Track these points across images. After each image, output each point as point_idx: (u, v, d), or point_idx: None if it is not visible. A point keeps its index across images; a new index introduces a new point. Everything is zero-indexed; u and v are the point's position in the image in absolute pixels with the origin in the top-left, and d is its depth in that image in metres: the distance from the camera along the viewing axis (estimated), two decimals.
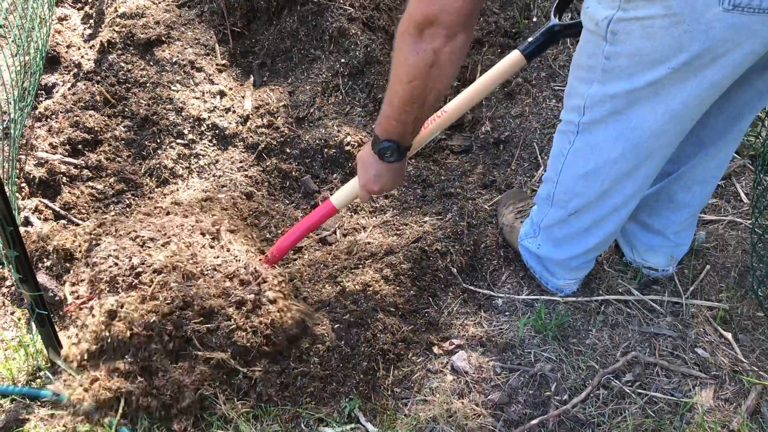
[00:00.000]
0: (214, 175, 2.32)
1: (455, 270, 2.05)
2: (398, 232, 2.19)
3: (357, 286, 1.93)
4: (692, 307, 1.95)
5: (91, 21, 2.80)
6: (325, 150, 2.37)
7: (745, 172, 2.35)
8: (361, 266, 2.02)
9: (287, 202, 2.32)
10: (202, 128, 2.39)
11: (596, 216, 1.74)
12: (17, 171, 2.17)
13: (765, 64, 1.50)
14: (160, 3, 2.62)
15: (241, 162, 2.35)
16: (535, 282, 2.05)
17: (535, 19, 3.05)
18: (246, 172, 2.32)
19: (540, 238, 1.95)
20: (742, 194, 2.27)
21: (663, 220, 1.90)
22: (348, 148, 2.37)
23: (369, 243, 2.14)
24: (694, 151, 1.75)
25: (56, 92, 2.51)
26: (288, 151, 2.40)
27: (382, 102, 1.58)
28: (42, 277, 1.89)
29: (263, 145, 2.37)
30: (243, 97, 2.50)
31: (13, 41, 2.27)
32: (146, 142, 2.34)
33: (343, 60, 2.61)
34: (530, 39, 1.84)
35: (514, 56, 1.83)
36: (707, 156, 1.74)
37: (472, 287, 2.04)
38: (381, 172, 1.70)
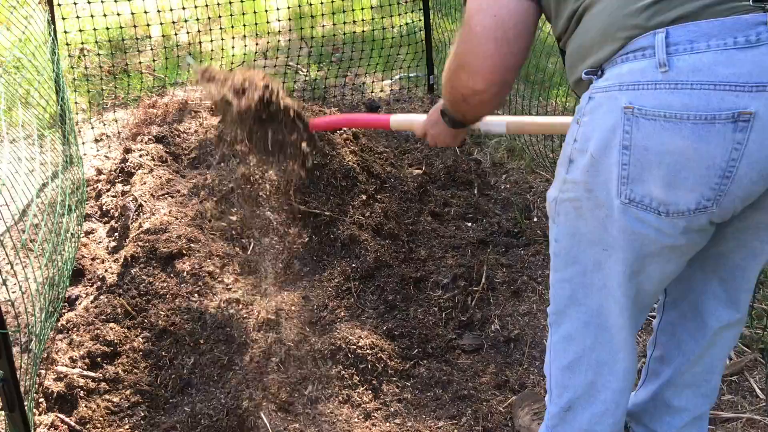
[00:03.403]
0: (228, 382, 2.35)
1: None
2: None
3: None
4: None
5: (116, 234, 2.98)
6: (338, 354, 2.41)
7: (757, 366, 2.35)
8: None
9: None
10: (218, 336, 2.45)
11: (591, 414, 1.71)
12: (36, 386, 2.20)
13: (717, 267, 1.57)
14: (182, 218, 2.80)
15: (256, 370, 2.38)
16: None
17: (535, 219, 3.22)
18: (260, 380, 2.34)
19: None
20: (758, 390, 2.26)
21: (664, 425, 1.87)
22: (360, 351, 2.41)
23: None
24: (674, 354, 1.76)
25: (79, 305, 2.61)
26: (299, 354, 2.44)
27: None
28: None
29: (278, 351, 2.42)
30: (258, 303, 2.58)
31: (41, 255, 2.40)
32: (163, 353, 2.39)
33: (354, 264, 2.74)
34: None
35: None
36: (689, 361, 1.74)
37: None
38: (438, 127, 1.86)
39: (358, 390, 2.35)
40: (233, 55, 4.50)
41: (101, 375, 2.31)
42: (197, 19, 4.44)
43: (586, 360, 1.61)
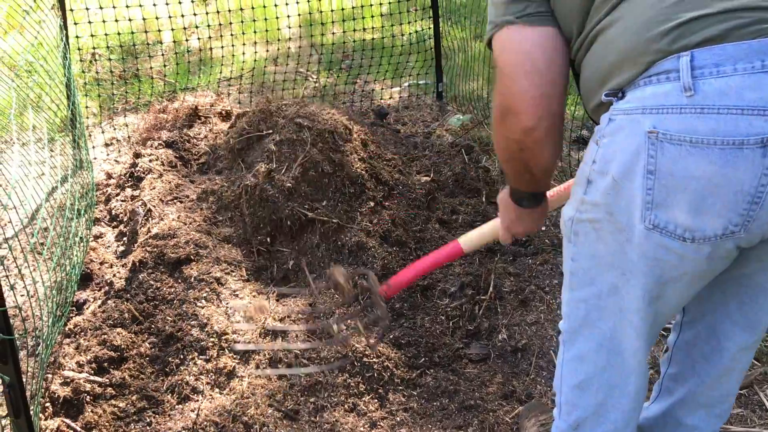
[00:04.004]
0: (234, 389, 2.34)
1: None
2: None
3: None
4: None
5: (125, 239, 2.98)
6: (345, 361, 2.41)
7: (767, 379, 2.33)
8: None
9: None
10: (225, 343, 2.45)
11: None
12: (42, 390, 2.21)
13: (736, 293, 1.53)
14: (190, 224, 2.80)
15: (263, 376, 2.38)
16: None
17: (543, 228, 3.20)
18: (267, 387, 2.34)
19: None
20: (767, 403, 2.24)
21: None
22: (366, 360, 2.40)
23: None
24: (689, 374, 1.74)
25: (87, 309, 2.61)
26: (306, 362, 2.43)
27: None
28: None
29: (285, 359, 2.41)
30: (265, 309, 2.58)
31: (50, 259, 2.41)
32: (170, 359, 2.39)
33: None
34: None
35: None
36: (704, 383, 1.71)
37: None
38: (521, 216, 1.73)
39: (364, 399, 2.34)
40: (243, 62, 4.52)
41: (108, 380, 2.31)
42: (208, 25, 4.46)
43: (597, 381, 1.58)
